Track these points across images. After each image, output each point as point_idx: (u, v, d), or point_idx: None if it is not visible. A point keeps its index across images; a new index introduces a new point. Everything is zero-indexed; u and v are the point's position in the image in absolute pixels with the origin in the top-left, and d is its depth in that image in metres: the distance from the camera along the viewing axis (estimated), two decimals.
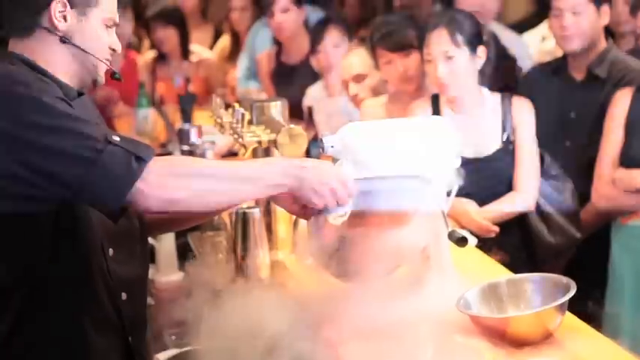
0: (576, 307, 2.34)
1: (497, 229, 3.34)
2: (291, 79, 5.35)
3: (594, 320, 2.58)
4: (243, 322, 2.29)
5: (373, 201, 2.20)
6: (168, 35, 6.25)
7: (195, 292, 2.50)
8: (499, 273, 2.53)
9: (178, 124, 5.15)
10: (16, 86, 1.99)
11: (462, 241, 2.44)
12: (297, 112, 4.71)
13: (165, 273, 3.32)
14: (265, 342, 2.24)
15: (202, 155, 3.95)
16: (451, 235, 2.45)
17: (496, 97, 3.53)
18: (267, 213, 3.00)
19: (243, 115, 2.81)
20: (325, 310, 2.35)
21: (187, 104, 5.13)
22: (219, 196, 2.03)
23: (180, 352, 2.64)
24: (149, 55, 6.48)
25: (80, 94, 2.21)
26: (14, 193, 1.98)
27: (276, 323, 2.28)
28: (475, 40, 3.45)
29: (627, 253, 3.48)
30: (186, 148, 4.28)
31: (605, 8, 3.81)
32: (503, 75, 3.67)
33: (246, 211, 2.80)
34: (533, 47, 5.31)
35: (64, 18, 2.14)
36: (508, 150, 3.48)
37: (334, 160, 2.39)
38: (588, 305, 3.33)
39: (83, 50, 2.16)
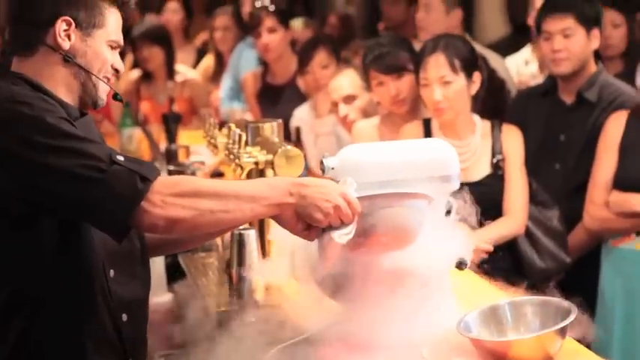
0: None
1: (491, 247, 3.35)
2: (277, 99, 5.35)
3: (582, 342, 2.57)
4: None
5: (376, 220, 2.18)
6: (154, 54, 6.24)
7: (186, 314, 2.48)
8: (498, 296, 2.51)
9: (162, 143, 5.14)
10: (19, 107, 1.99)
11: (461, 265, 2.43)
12: (284, 133, 4.68)
13: (154, 294, 3.29)
14: None
15: (193, 175, 3.93)
16: None
17: (486, 124, 3.57)
18: (262, 235, 2.98)
19: (240, 135, 2.80)
20: (320, 331, 2.33)
21: (172, 124, 5.12)
22: (224, 215, 2.02)
23: None
24: (134, 74, 6.46)
25: (83, 114, 2.19)
26: (18, 212, 1.98)
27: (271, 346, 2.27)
28: (471, 65, 3.49)
29: (618, 276, 3.49)
30: (172, 168, 4.26)
31: (595, 32, 3.84)
32: (492, 98, 3.68)
33: (242, 232, 2.78)
34: (516, 71, 5.35)
35: (69, 37, 2.15)
36: (497, 175, 3.52)
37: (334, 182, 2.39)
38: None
39: (85, 70, 2.16)
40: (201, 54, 7.25)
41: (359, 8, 10.50)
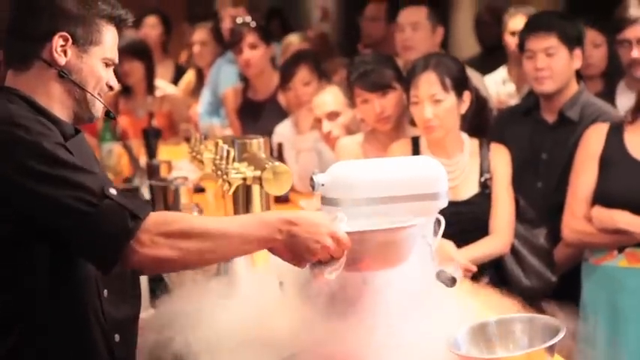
0: None
1: (474, 268, 3.36)
2: (258, 115, 5.36)
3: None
4: None
5: (367, 251, 2.17)
6: (134, 68, 6.21)
7: (168, 330, 2.46)
8: (486, 313, 2.52)
9: (142, 158, 5.12)
10: (17, 130, 1.99)
11: (450, 281, 2.43)
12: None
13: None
14: None
15: (176, 192, 3.91)
16: (440, 275, 2.44)
17: (474, 142, 3.58)
18: None
19: (228, 151, 2.80)
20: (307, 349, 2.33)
21: (152, 139, 5.10)
22: (212, 255, 2.03)
23: None
24: None
25: (77, 130, 2.18)
26: (10, 233, 1.97)
27: None
28: (461, 84, 3.51)
29: (601, 293, 3.51)
30: (154, 182, 4.23)
31: (578, 52, 3.88)
32: (476, 116, 3.70)
33: None
34: (495, 90, 5.39)
35: (65, 53, 2.15)
36: (485, 194, 3.54)
37: (324, 199, 2.39)
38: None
39: (80, 87, 2.16)
40: (180, 69, 7.24)
41: (335, 25, 10.55)
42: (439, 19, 4.81)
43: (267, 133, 4.84)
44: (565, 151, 3.81)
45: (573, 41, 3.89)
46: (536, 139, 3.96)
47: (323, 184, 2.39)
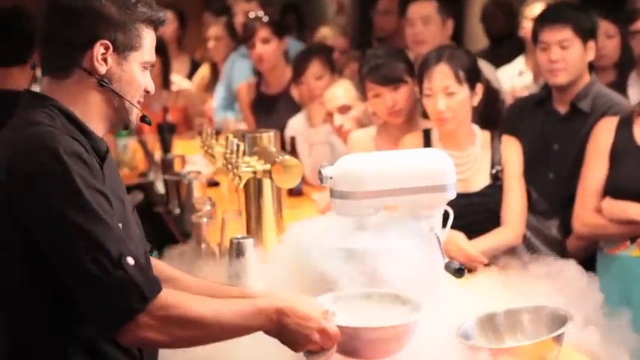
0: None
1: (485, 259, 3.37)
2: (271, 109, 5.37)
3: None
4: None
5: (360, 343, 2.17)
6: None
7: None
8: (495, 303, 2.53)
9: (157, 153, 5.16)
10: (59, 167, 1.94)
11: (458, 272, 2.45)
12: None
13: None
14: None
15: (189, 186, 3.94)
16: (448, 267, 2.46)
17: (486, 134, 3.59)
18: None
19: (238, 145, 2.82)
20: None
21: (167, 134, 5.14)
22: (201, 342, 2.07)
23: None
24: None
25: (105, 152, 2.15)
26: (17, 265, 1.99)
27: None
28: (474, 77, 3.51)
29: (616, 284, 3.50)
30: (168, 177, 4.27)
31: (591, 44, 3.87)
32: (487, 108, 3.71)
33: (241, 240, 2.79)
34: (510, 82, 5.38)
35: (105, 61, 2.09)
36: (496, 186, 3.54)
37: (332, 191, 2.41)
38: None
39: (119, 95, 2.11)
40: (195, 64, 7.27)
41: (350, 19, 10.55)
42: (449, 12, 4.80)
43: (281, 126, 4.87)
44: (576, 143, 3.80)
45: (587, 33, 3.88)
46: (547, 130, 3.96)
47: (331, 177, 2.42)
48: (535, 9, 5.09)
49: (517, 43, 5.69)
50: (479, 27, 6.98)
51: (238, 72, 5.99)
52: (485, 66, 4.57)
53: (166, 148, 5.06)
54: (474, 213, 3.45)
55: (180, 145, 5.39)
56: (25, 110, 2.09)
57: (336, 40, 5.79)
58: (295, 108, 5.00)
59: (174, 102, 6.30)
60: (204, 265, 3.25)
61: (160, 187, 4.44)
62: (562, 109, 3.95)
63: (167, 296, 1.98)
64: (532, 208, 3.61)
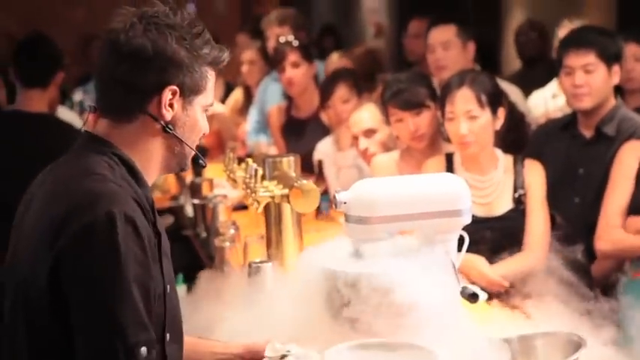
0: None
1: (507, 283, 3.37)
2: (301, 133, 5.40)
3: None
4: None
5: None
6: None
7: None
8: (510, 328, 2.53)
9: (189, 176, 5.20)
10: (104, 228, 1.88)
11: (473, 297, 2.46)
12: (308, 166, 4.75)
13: None
14: None
15: (214, 209, 3.98)
16: (463, 292, 2.47)
17: (509, 158, 3.59)
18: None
19: (256, 170, 2.85)
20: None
21: (198, 157, 5.16)
22: None
23: None
24: None
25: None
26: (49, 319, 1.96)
27: None
28: (496, 101, 3.52)
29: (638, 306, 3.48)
30: (197, 201, 4.31)
31: (616, 68, 3.86)
32: (512, 132, 3.71)
33: (259, 265, 2.82)
34: (544, 105, 5.37)
35: (172, 106, 2.04)
36: (519, 210, 3.54)
37: (347, 216, 2.43)
38: None
39: (181, 140, 2.07)
40: (229, 88, 7.33)
41: (388, 42, 10.59)
42: (469, 35, 4.79)
43: (310, 150, 4.90)
44: (602, 167, 3.79)
45: (612, 57, 3.87)
46: (573, 154, 3.95)
47: (345, 202, 2.43)
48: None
49: (550, 65, 5.68)
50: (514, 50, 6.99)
51: (270, 96, 6.03)
52: (511, 89, 4.58)
53: (197, 171, 5.10)
54: (497, 237, 3.46)
55: (211, 169, 5.42)
56: (85, 156, 2.03)
57: (339, 62, 5.80)
58: (325, 132, 5.03)
59: (209, 126, 6.33)
60: (226, 289, 3.29)
61: (189, 211, 4.49)
62: (587, 133, 3.94)
63: None
64: (556, 232, 3.59)
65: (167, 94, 2.02)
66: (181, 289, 3.37)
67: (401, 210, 2.43)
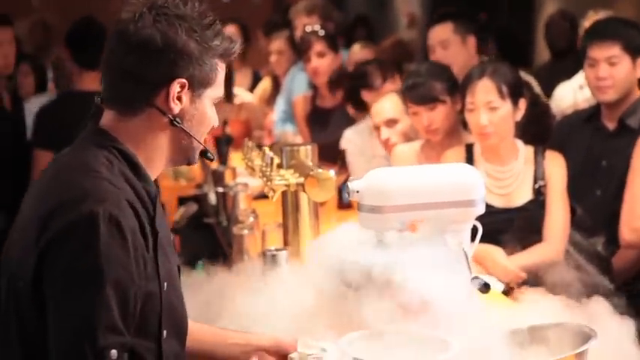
0: None
1: (524, 275, 3.36)
2: (326, 122, 5.42)
3: None
4: None
5: None
6: None
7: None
8: (522, 319, 2.52)
9: (215, 165, 5.22)
10: (85, 229, 1.86)
11: (485, 288, 2.45)
12: (332, 156, 4.76)
13: None
14: None
15: (235, 197, 4.00)
16: (474, 281, 2.46)
17: (529, 149, 3.58)
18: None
19: (272, 158, 2.86)
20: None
21: (223, 146, 5.20)
22: None
23: None
24: None
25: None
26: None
27: None
28: (517, 92, 3.51)
29: None
30: (220, 189, 4.33)
31: None
32: (536, 123, 3.70)
33: (275, 253, 2.83)
34: (572, 96, 5.33)
35: (180, 99, 2.00)
36: (539, 201, 3.53)
37: (360, 205, 2.43)
38: None
39: (189, 134, 2.04)
40: (257, 77, 7.35)
41: (421, 32, 10.57)
42: (468, 29, 4.76)
43: (335, 140, 4.91)
44: (624, 159, 3.76)
45: (637, 49, 3.84)
46: (595, 146, 3.93)
47: (358, 191, 2.44)
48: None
49: (578, 58, 5.64)
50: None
51: (297, 85, 6.05)
52: (532, 81, 4.55)
53: (223, 160, 5.12)
54: (516, 228, 3.46)
55: (237, 158, 5.45)
56: (85, 150, 2.01)
57: (361, 53, 5.80)
58: (350, 121, 5.03)
59: (237, 115, 6.36)
60: (243, 277, 3.31)
61: (213, 199, 4.51)
62: (610, 125, 3.92)
63: None
64: (576, 224, 3.58)
65: (175, 87, 1.98)
66: (200, 276, 3.38)
67: (414, 199, 2.42)
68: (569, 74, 5.58)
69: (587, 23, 5.32)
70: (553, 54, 6.47)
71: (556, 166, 3.56)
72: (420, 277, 2.34)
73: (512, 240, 3.44)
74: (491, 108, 3.48)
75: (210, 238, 4.22)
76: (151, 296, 1.97)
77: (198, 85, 2.01)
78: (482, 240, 2.57)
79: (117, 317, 1.87)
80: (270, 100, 6.70)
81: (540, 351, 2.36)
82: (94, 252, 1.85)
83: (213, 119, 2.09)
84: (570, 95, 5.34)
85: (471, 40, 4.74)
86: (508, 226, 3.45)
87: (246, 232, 3.36)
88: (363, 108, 4.66)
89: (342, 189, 3.69)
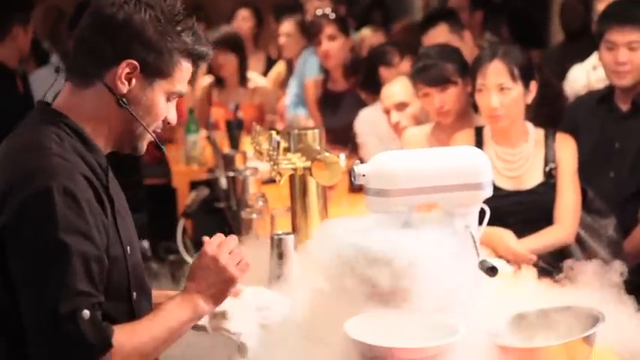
0: None
1: (534, 257, 3.34)
2: (337, 106, 5.40)
3: None
4: None
5: None
6: (228, 61, 6.24)
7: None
8: (530, 302, 2.51)
9: (226, 149, 5.22)
10: (41, 202, 1.93)
11: (491, 271, 2.43)
12: (344, 140, 4.75)
13: None
14: None
15: (244, 181, 3.99)
16: (481, 265, 2.44)
17: (539, 132, 3.55)
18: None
19: (278, 142, 2.85)
20: None
21: (235, 130, 5.20)
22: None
23: None
24: (206, 80, 6.54)
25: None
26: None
27: None
28: (528, 74, 3.48)
29: None
30: (230, 174, 4.33)
31: None
32: (548, 105, 3.67)
33: (282, 237, 2.82)
34: (586, 77, 5.29)
35: (129, 81, 2.06)
36: (549, 184, 3.50)
37: (367, 189, 2.42)
38: None
39: (136, 118, 2.09)
40: (270, 61, 7.33)
41: None
42: (461, 25, 4.74)
43: (347, 123, 4.89)
44: (638, 141, 3.73)
45: None
46: (609, 128, 3.89)
47: (364, 175, 2.42)
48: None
49: (591, 39, 5.60)
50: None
51: (309, 68, 6.03)
52: None
53: (234, 144, 5.12)
54: (526, 211, 3.43)
55: (249, 142, 5.44)
56: (35, 128, 2.07)
57: (374, 37, 5.78)
58: (361, 105, 5.01)
59: (250, 99, 6.35)
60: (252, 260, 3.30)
61: (224, 183, 4.50)
62: (624, 106, 3.88)
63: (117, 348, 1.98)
64: (587, 206, 3.56)
65: (124, 68, 2.04)
66: None
67: (420, 183, 2.41)
68: (582, 56, 5.53)
69: (600, 5, 5.28)
70: (567, 35, 6.41)
71: (567, 148, 3.53)
72: (426, 260, 2.33)
73: (522, 223, 3.42)
74: (502, 90, 3.45)
75: (222, 223, 4.21)
76: (116, 260, 2.06)
77: (150, 72, 2.06)
78: (492, 223, 2.56)
79: (83, 281, 1.94)
80: (285, 83, 6.68)
81: (549, 334, 2.35)
82: (53, 224, 1.92)
83: (165, 113, 2.13)
84: (584, 76, 5.29)
85: (468, 36, 4.73)
86: (518, 209, 3.43)
87: (255, 216, 3.35)
88: (377, 90, 4.64)
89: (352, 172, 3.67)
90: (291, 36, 6.43)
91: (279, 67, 7.00)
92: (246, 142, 5.29)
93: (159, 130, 2.16)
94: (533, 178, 3.52)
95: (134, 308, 2.11)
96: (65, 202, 1.94)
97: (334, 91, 5.57)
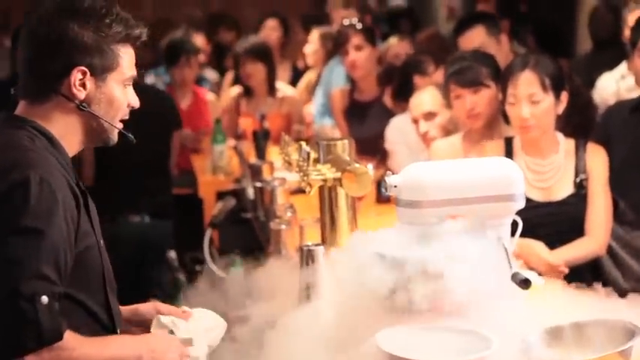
0: None
1: (566, 269, 3.31)
2: (364, 116, 5.39)
3: None
4: None
5: None
6: (256, 70, 6.22)
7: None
8: (563, 315, 2.48)
9: (253, 159, 5.22)
10: (18, 189, 2.03)
11: (524, 284, 2.40)
12: (370, 150, 4.72)
13: None
14: None
15: (272, 192, 3.98)
16: (514, 277, 2.41)
17: (570, 142, 3.52)
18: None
19: (308, 153, 2.84)
20: None
21: (261, 140, 5.19)
22: None
23: None
24: (234, 90, 6.53)
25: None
26: None
27: None
28: (559, 84, 3.44)
29: None
30: (258, 184, 4.32)
31: None
32: (578, 115, 3.64)
33: (311, 248, 2.79)
34: (615, 86, 5.26)
35: (84, 86, 2.15)
36: (580, 195, 3.47)
37: (398, 200, 2.40)
38: None
39: (100, 117, 2.19)
40: (297, 71, 7.32)
41: None
42: (498, 27, 4.69)
43: (374, 133, 4.87)
44: None
45: None
46: None
47: (396, 186, 2.40)
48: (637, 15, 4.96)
49: (620, 48, 5.56)
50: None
51: (336, 78, 6.02)
52: None
53: (260, 154, 5.11)
54: (557, 222, 3.40)
55: (275, 152, 5.44)
56: (4, 130, 2.16)
57: (399, 46, 5.76)
58: (389, 115, 4.99)
59: (278, 109, 6.33)
60: (282, 272, 3.28)
61: (251, 194, 4.49)
62: None
63: (63, 341, 2.03)
64: (619, 218, 3.52)
65: (76, 75, 2.13)
66: (238, 271, 3.36)
67: (452, 194, 2.39)
68: (611, 65, 5.50)
69: (631, 16, 5.24)
70: (595, 44, 6.37)
71: (597, 159, 3.50)
72: (459, 271, 2.31)
73: (553, 234, 3.39)
74: (533, 101, 3.41)
75: (248, 233, 4.20)
76: (89, 251, 2.16)
77: (100, 71, 2.16)
78: (522, 234, 2.54)
79: (48, 268, 2.01)
80: (314, 92, 6.66)
81: (584, 348, 2.32)
82: (29, 210, 2.01)
83: (125, 100, 2.22)
84: (613, 85, 5.26)
85: (504, 40, 4.69)
86: (549, 220, 3.40)
87: (283, 227, 3.33)
88: (407, 99, 4.62)
89: (380, 183, 3.65)
90: (317, 45, 6.42)
91: (310, 75, 6.99)
92: (272, 152, 5.28)
93: (126, 117, 2.25)
94: (563, 189, 3.48)
95: (110, 302, 2.21)
96: (41, 191, 2.02)
97: (361, 101, 5.55)
